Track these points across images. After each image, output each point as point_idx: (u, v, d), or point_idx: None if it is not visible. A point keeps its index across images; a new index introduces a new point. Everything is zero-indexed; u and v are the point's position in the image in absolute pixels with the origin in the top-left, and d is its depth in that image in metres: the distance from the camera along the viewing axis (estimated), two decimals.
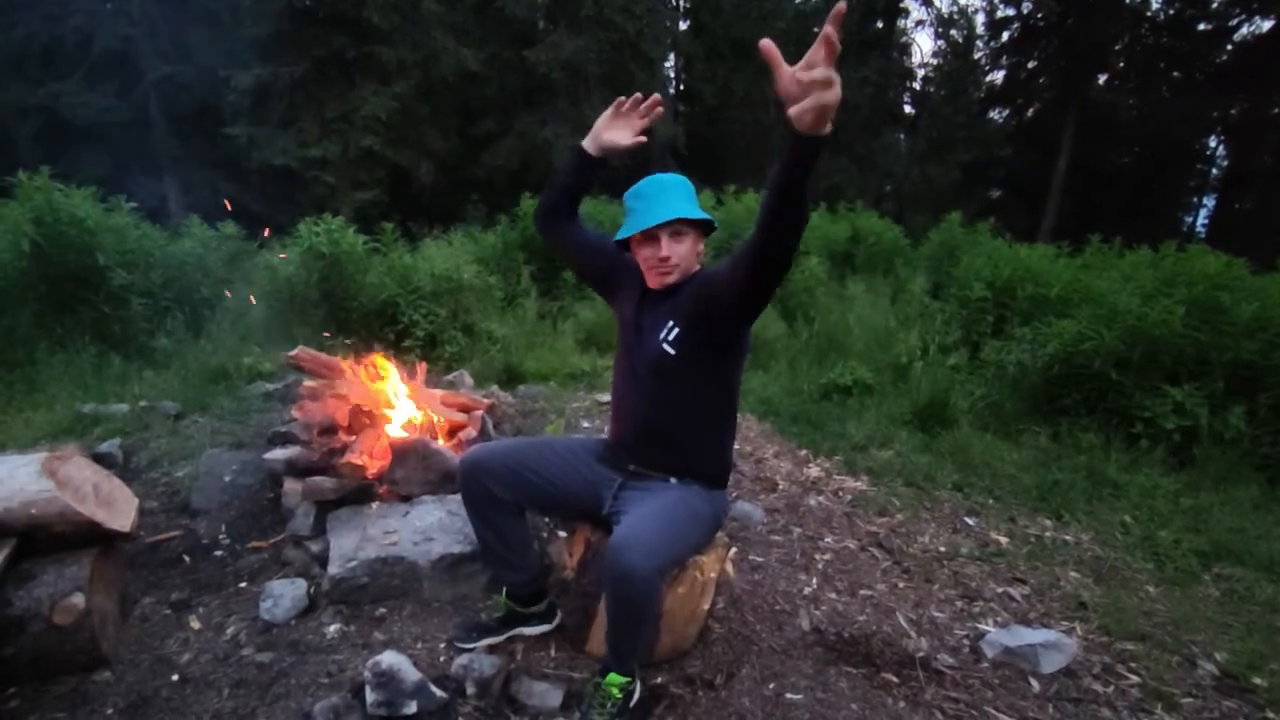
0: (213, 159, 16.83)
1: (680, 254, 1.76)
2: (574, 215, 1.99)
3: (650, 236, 1.75)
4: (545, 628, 2.04)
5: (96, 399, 3.75)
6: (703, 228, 1.81)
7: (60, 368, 4.17)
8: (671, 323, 1.76)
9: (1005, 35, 20.78)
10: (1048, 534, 2.97)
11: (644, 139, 1.91)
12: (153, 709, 1.75)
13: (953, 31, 20.96)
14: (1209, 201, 21.27)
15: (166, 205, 15.85)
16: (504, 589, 2.00)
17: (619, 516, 1.71)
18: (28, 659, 1.75)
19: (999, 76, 21.86)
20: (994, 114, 22.15)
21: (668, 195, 1.76)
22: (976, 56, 21.30)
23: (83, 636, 1.78)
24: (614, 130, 1.89)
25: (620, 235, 1.80)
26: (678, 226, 1.75)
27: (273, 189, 15.63)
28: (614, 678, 1.72)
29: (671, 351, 1.75)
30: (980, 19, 20.93)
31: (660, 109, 1.88)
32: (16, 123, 16.72)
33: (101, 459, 2.82)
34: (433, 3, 15.31)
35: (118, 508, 1.99)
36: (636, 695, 1.78)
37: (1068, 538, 2.95)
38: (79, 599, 1.76)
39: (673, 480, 1.84)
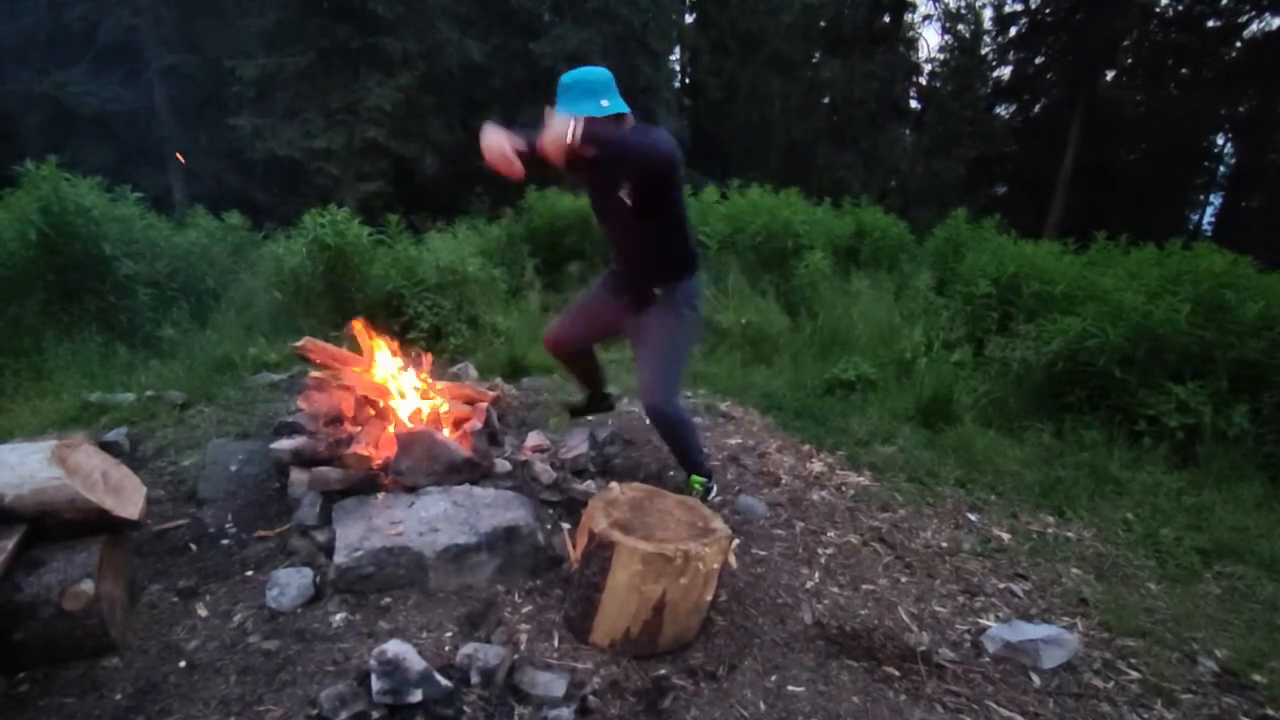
0: (217, 149, 16.83)
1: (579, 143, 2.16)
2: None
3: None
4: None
5: (103, 388, 3.76)
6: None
7: (67, 356, 4.19)
8: (625, 181, 2.38)
9: (1013, 30, 20.65)
10: (1050, 530, 2.98)
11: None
12: (161, 695, 1.77)
13: (960, 26, 20.80)
14: (1216, 199, 21.18)
15: (171, 195, 15.87)
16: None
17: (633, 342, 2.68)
18: (38, 644, 1.76)
19: (1006, 72, 21.76)
20: (1000, 109, 22.05)
21: (574, 90, 2.28)
22: (983, 52, 21.16)
23: (92, 623, 1.79)
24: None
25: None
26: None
27: (277, 180, 15.63)
28: (695, 479, 2.66)
29: (628, 202, 2.38)
30: (988, 14, 20.81)
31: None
32: (22, 111, 16.72)
33: (108, 447, 2.84)
34: None
35: (126, 495, 2.01)
36: (714, 491, 2.76)
37: (1070, 534, 2.95)
38: (88, 585, 1.77)
39: (657, 291, 2.56)
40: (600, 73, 2.32)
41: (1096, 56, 18.17)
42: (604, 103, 2.27)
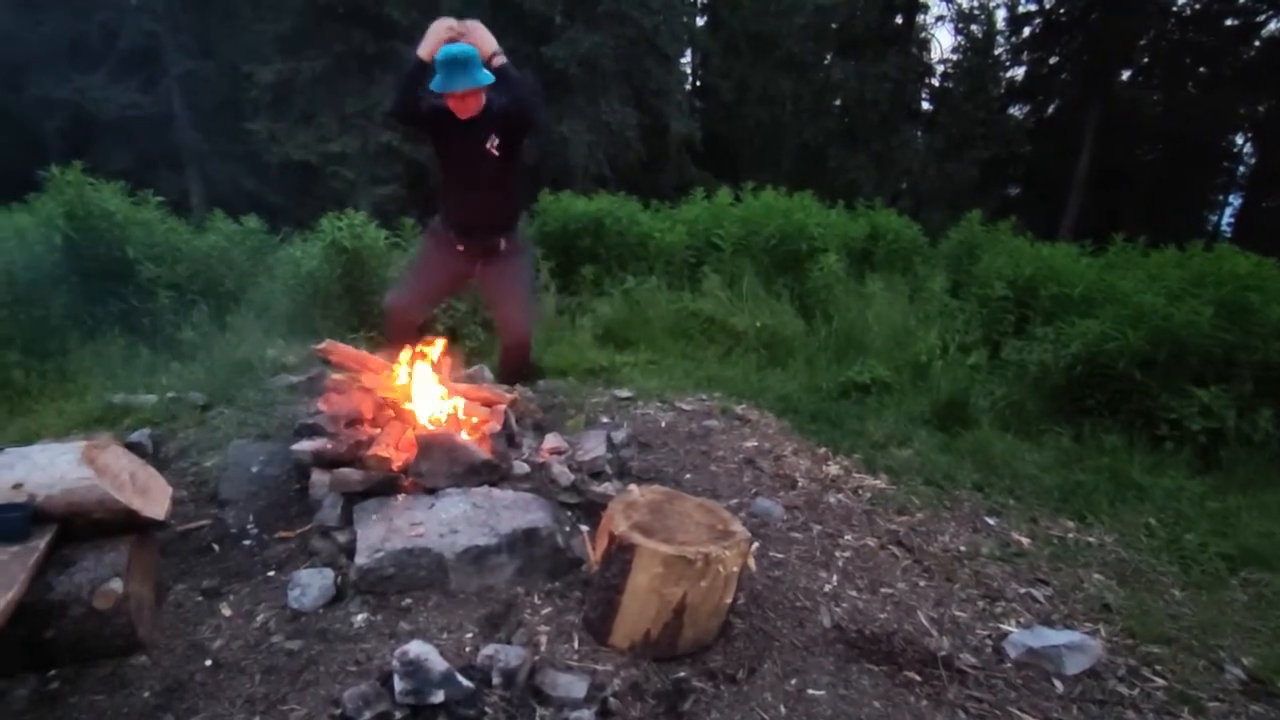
0: (234, 153, 17.02)
1: (476, 102, 2.88)
2: (413, 102, 2.92)
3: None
4: None
5: (126, 389, 3.81)
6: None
7: (91, 358, 4.25)
8: (493, 135, 2.92)
9: (1026, 30, 20.51)
10: (1070, 535, 2.95)
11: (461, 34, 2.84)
12: (188, 693, 1.79)
13: (973, 27, 20.68)
14: (1235, 200, 20.91)
15: (188, 199, 16.05)
16: None
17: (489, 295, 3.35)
18: (68, 642, 1.79)
19: (1020, 72, 21.60)
20: (1014, 110, 21.88)
21: (468, 65, 2.74)
22: (996, 52, 21.02)
23: (120, 621, 1.82)
24: (438, 38, 2.80)
25: (436, 88, 2.78)
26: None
27: (292, 184, 15.78)
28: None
29: (494, 153, 2.93)
30: (1001, 14, 20.67)
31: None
32: (44, 117, 16.98)
33: (133, 448, 2.86)
34: None
35: (153, 496, 2.03)
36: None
37: (1091, 539, 2.93)
38: (117, 584, 1.80)
39: (503, 241, 3.16)
40: (472, 48, 2.80)
41: (1112, 56, 18.02)
42: (485, 71, 2.81)
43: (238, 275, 5.52)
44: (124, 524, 1.93)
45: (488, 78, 2.81)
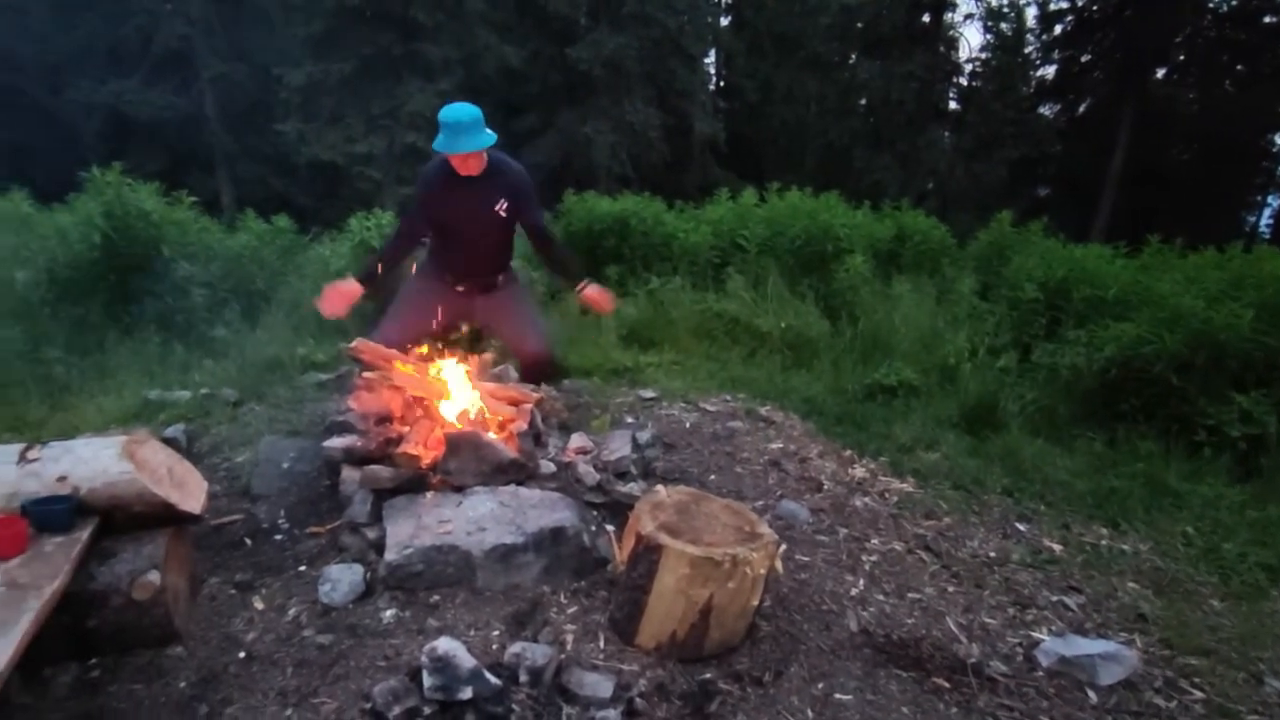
0: (264, 154, 17.34)
1: (479, 161, 2.98)
2: (407, 244, 3.25)
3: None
4: None
5: (161, 386, 3.90)
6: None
7: (128, 355, 4.35)
8: (504, 200, 3.07)
9: (1058, 28, 20.16)
10: (1104, 543, 2.89)
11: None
12: (222, 684, 1.82)
13: (1003, 25, 20.37)
14: (1274, 201, 20.37)
15: (219, 199, 16.38)
16: None
17: (494, 325, 3.45)
18: (109, 632, 1.84)
19: (1050, 71, 21.24)
20: (1044, 109, 21.51)
21: (472, 128, 2.82)
22: (1027, 50, 20.69)
23: (158, 612, 1.86)
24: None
25: (438, 148, 2.88)
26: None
27: (320, 184, 16.03)
28: None
29: (503, 215, 3.09)
30: (1032, 11, 20.34)
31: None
32: (83, 119, 17.44)
33: (168, 443, 2.93)
34: (477, 0, 15.51)
35: (189, 490, 2.08)
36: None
37: (1125, 547, 2.86)
38: (155, 576, 1.84)
39: (500, 278, 3.32)
40: (476, 109, 2.87)
41: (1147, 53, 17.64)
42: (488, 131, 2.90)
43: (268, 274, 5.62)
44: (161, 517, 1.97)
45: (491, 138, 2.90)
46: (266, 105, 17.12)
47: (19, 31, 17.52)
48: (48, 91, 18.02)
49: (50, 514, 1.81)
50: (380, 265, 3.09)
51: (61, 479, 1.86)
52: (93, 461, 1.88)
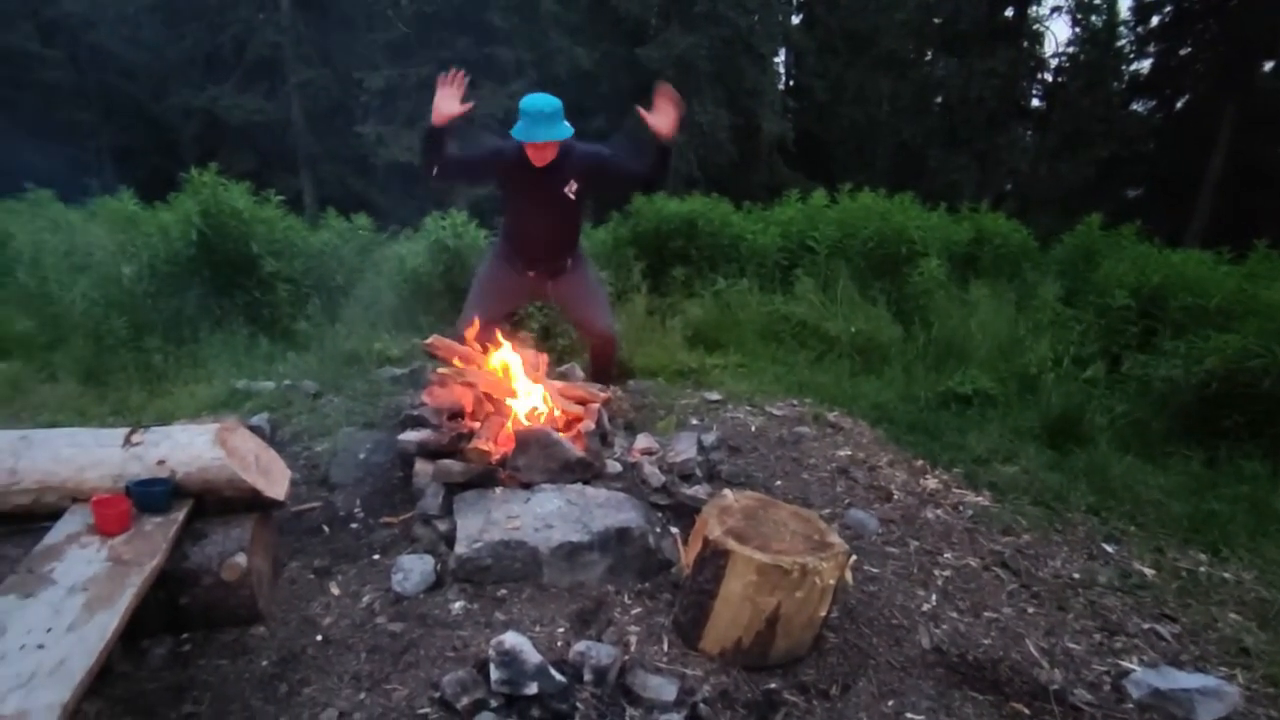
0: (344, 155, 18.09)
1: (552, 152, 3.03)
2: (446, 164, 3.10)
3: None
4: None
5: (248, 376, 4.11)
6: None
7: (219, 346, 4.60)
8: (573, 181, 3.12)
9: (1154, 20, 18.99)
10: (1202, 569, 2.70)
11: (470, 105, 3.08)
12: (300, 665, 1.90)
13: (1093, 18, 19.33)
14: None
15: (301, 198, 17.17)
16: None
17: (564, 306, 3.64)
18: (199, 609, 1.94)
19: (1144, 65, 20.02)
20: (1137, 106, 20.30)
21: (553, 118, 2.94)
22: (1119, 44, 19.57)
23: (244, 593, 1.95)
24: (446, 102, 3.00)
25: (517, 136, 2.96)
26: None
27: (396, 184, 16.60)
28: None
29: (572, 197, 3.15)
30: (1126, 3, 19.23)
31: (462, 84, 3.04)
32: (181, 123, 18.61)
33: (254, 431, 3.08)
34: (551, 2, 15.75)
35: (273, 477, 2.17)
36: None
37: (1226, 575, 2.66)
38: (242, 559, 1.93)
39: (568, 261, 3.39)
40: (557, 100, 2.98)
41: (1252, 46, 16.39)
42: (566, 124, 2.99)
43: (347, 271, 5.84)
44: (248, 502, 2.07)
45: (568, 131, 2.98)
46: (347, 108, 17.88)
47: (134, 43, 18.87)
48: (152, 98, 19.31)
49: (151, 495, 1.92)
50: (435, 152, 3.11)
51: (161, 462, 1.98)
52: (189, 447, 2.00)
